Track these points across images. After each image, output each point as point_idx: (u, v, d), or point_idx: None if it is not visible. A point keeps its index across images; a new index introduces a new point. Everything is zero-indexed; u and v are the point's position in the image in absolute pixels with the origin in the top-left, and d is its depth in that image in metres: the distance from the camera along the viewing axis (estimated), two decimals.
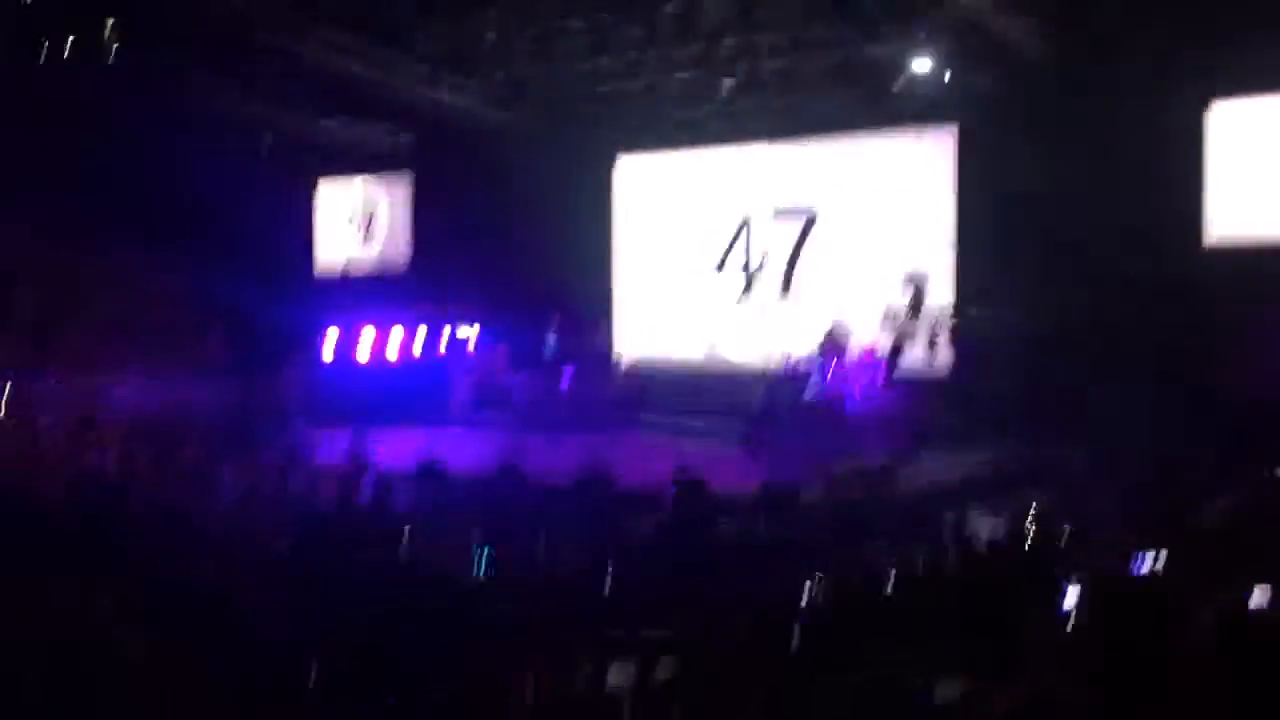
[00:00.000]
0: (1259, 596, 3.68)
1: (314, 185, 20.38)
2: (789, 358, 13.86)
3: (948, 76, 13.30)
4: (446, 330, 16.99)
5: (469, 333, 16.98)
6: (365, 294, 17.76)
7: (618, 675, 4.03)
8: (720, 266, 16.59)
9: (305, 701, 4.07)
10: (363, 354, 16.59)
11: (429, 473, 11.61)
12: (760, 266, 16.25)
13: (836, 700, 2.90)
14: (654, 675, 4.02)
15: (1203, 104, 12.48)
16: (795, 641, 4.96)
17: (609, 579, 4.58)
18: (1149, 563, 5.11)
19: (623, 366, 16.70)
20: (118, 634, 4.26)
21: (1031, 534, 8.92)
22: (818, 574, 6.92)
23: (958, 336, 13.31)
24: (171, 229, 17.54)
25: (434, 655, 4.22)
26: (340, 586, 5.38)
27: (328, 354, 16.46)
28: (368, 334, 16.50)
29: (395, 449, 13.01)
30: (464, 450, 12.76)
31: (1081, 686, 2.82)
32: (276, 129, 17.02)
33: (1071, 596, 4.04)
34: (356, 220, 20.12)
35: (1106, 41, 12.03)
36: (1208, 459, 9.01)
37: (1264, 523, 5.32)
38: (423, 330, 16.83)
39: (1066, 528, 6.90)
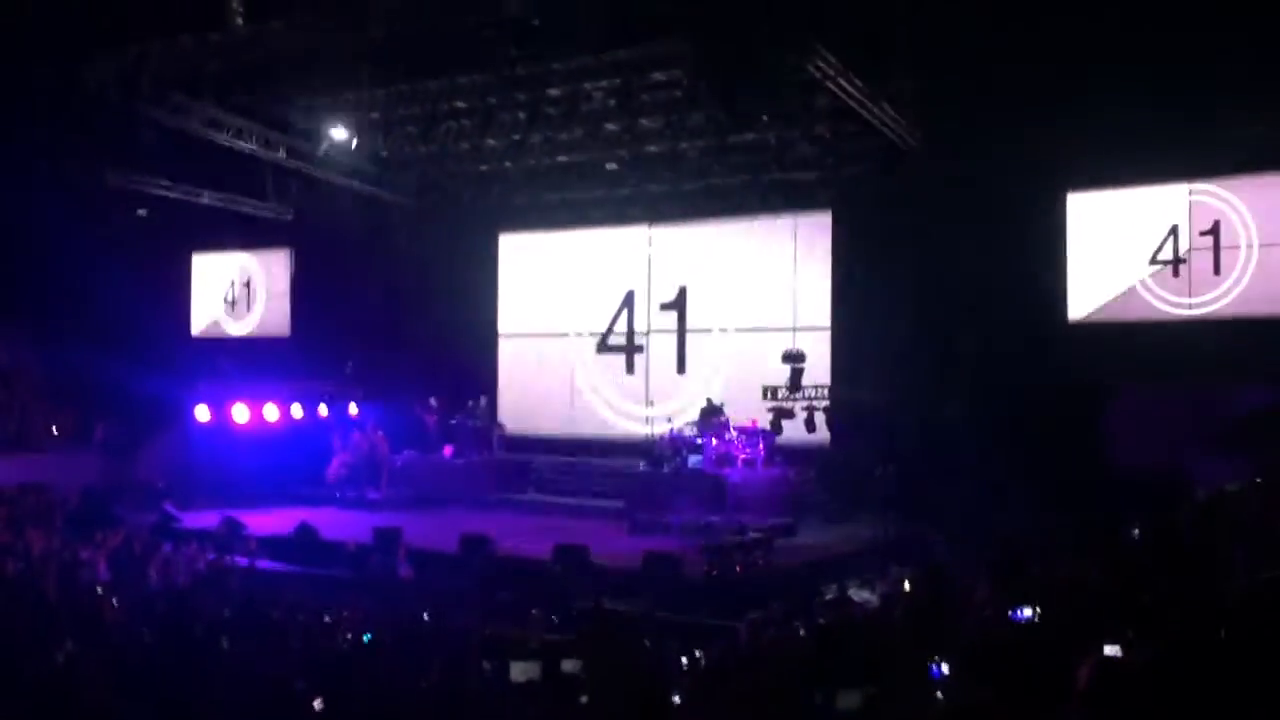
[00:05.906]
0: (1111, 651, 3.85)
1: (189, 258, 20.04)
2: (671, 430, 14.01)
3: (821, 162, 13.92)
4: (323, 407, 16.57)
5: (350, 409, 16.53)
6: (242, 365, 17.28)
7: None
8: (603, 344, 16.74)
9: None
10: (238, 425, 15.95)
11: (303, 538, 11.40)
12: (643, 343, 16.46)
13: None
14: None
15: (1060, 195, 13.24)
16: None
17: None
18: (1025, 616, 5.27)
19: (505, 439, 16.58)
20: None
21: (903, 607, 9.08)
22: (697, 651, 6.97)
23: (833, 413, 13.58)
24: (41, 304, 17.10)
25: None
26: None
27: (200, 429, 15.85)
28: (240, 411, 15.93)
29: (271, 528, 12.65)
30: (344, 527, 12.51)
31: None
32: (153, 202, 16.64)
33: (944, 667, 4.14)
34: (233, 294, 19.78)
35: (974, 135, 12.64)
36: (1062, 533, 9.30)
37: (1120, 588, 5.54)
38: (298, 408, 16.39)
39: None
